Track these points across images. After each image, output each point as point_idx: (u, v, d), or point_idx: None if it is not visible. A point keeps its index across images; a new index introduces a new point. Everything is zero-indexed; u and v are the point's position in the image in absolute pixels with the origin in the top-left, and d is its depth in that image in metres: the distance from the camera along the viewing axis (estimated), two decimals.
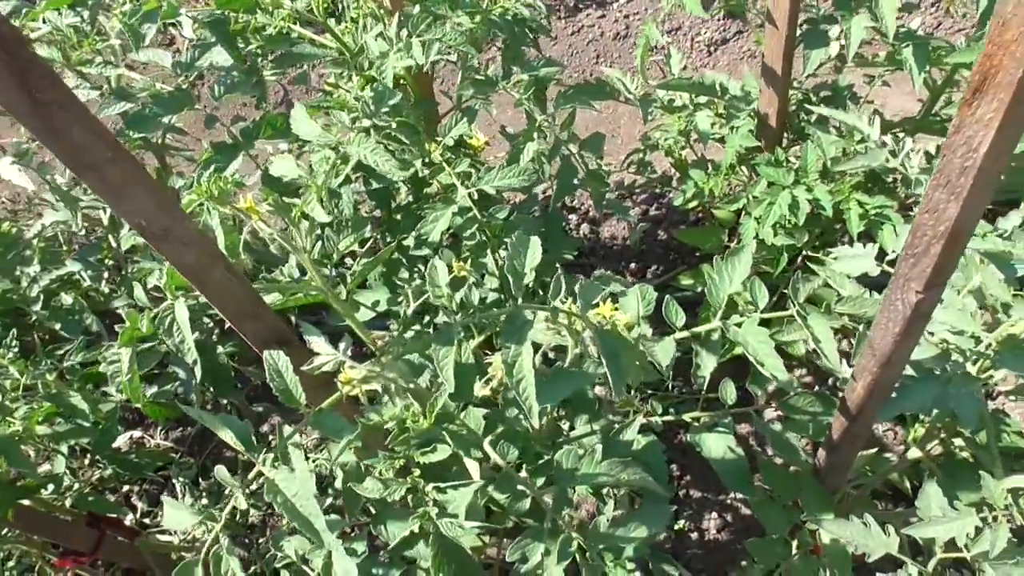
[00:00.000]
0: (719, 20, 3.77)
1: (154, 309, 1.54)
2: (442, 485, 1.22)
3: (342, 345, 1.28)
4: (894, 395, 1.59)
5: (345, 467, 1.49)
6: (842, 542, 1.83)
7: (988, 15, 1.89)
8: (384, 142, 1.73)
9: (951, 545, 1.70)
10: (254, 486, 1.29)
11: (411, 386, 1.43)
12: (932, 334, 1.70)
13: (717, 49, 3.75)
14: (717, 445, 1.93)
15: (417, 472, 1.23)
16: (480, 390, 1.70)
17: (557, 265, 2.35)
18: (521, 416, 1.48)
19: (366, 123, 1.47)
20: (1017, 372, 1.49)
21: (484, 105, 2.25)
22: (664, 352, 1.61)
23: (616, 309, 1.61)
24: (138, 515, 2.89)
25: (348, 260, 2.33)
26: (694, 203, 2.68)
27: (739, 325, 1.66)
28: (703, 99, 2.34)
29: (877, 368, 1.51)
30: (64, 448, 2.31)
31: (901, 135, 1.89)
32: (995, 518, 1.52)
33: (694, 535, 2.67)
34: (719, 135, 2.30)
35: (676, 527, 2.66)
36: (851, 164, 1.92)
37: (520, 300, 1.32)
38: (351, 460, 1.32)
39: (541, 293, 2.08)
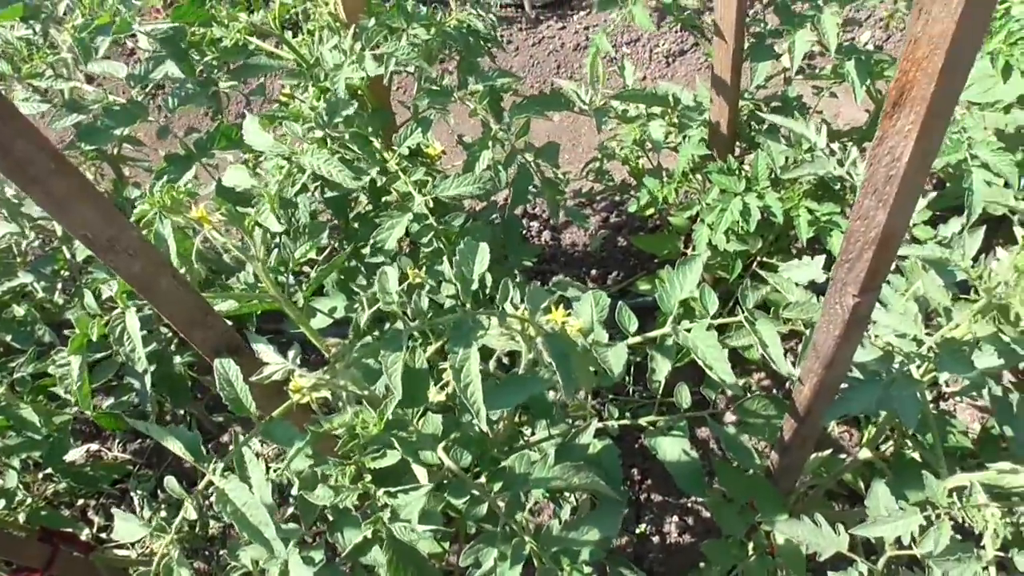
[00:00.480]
0: (677, 32, 3.83)
1: (105, 317, 1.54)
2: (392, 490, 1.23)
3: (291, 353, 1.29)
4: (839, 397, 1.63)
5: (300, 475, 1.49)
6: (795, 542, 1.86)
7: None
8: (339, 151, 1.74)
9: (902, 543, 1.75)
10: (211, 497, 1.29)
11: (365, 393, 1.45)
12: (877, 337, 1.75)
13: (675, 60, 3.81)
14: (672, 448, 1.96)
15: (369, 478, 1.24)
16: (435, 396, 1.71)
17: (516, 272, 2.38)
18: (475, 421, 1.49)
19: (319, 134, 1.48)
20: (956, 374, 1.54)
21: (442, 115, 2.28)
22: (616, 357, 1.64)
23: (569, 315, 1.65)
24: (94, 529, 2.86)
25: (308, 268, 2.34)
26: (650, 210, 2.72)
27: (689, 330, 1.69)
28: (657, 109, 2.38)
29: (821, 370, 1.55)
30: (16, 462, 2.28)
31: (849, 144, 1.94)
32: (938, 516, 1.56)
33: (656, 538, 2.70)
34: (673, 144, 2.34)
35: (638, 531, 2.69)
36: (799, 171, 1.97)
37: (469, 306, 1.34)
38: (305, 468, 1.33)
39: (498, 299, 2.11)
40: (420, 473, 1.29)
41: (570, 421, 2.06)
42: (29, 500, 2.64)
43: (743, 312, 1.69)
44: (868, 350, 1.64)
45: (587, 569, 1.85)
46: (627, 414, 2.05)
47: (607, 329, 1.87)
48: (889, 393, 1.57)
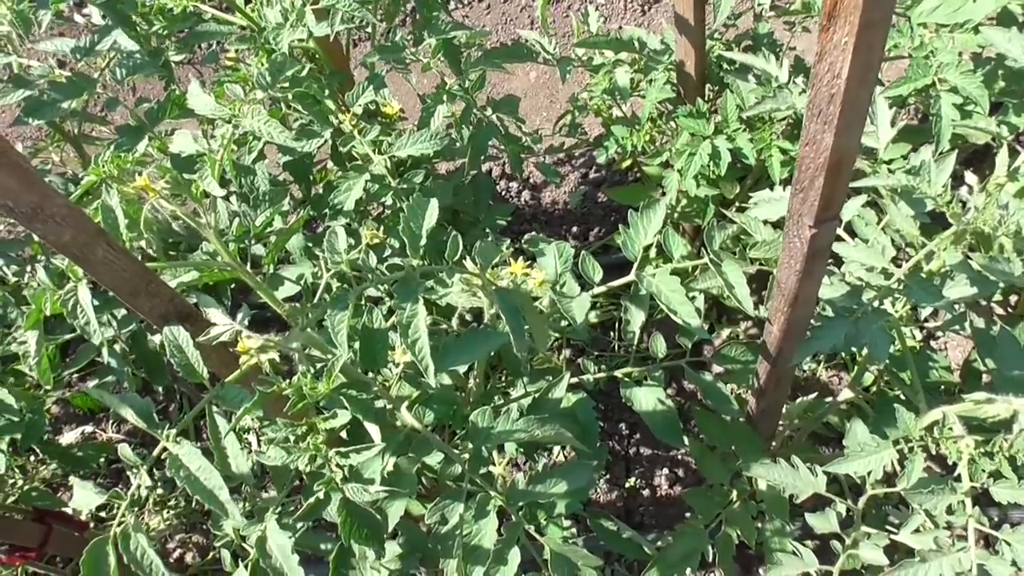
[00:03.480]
0: None
1: (58, 291, 1.52)
2: (343, 450, 1.21)
3: (240, 315, 1.26)
4: (808, 335, 1.60)
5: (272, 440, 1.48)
6: (773, 486, 1.85)
7: None
8: (291, 114, 1.70)
9: (888, 483, 1.72)
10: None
11: (326, 357, 1.43)
12: (849, 273, 1.71)
13: (651, 8, 3.73)
14: (647, 398, 1.94)
15: (321, 438, 1.23)
16: (400, 356, 1.69)
17: (487, 231, 2.34)
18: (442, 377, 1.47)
19: (259, 95, 1.44)
20: (924, 303, 1.51)
21: (403, 74, 2.23)
22: (579, 307, 1.61)
23: (531, 267, 1.62)
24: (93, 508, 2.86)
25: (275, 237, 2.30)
26: (626, 162, 2.68)
27: (654, 275, 1.66)
28: (625, 56, 2.33)
29: (787, 308, 1.52)
30: (3, 445, 2.28)
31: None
32: (911, 450, 1.54)
33: (646, 491, 2.69)
34: (643, 92, 2.29)
35: (628, 484, 2.68)
36: (762, 107, 1.92)
37: (417, 263, 1.31)
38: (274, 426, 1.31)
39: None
40: (373, 432, 1.27)
41: (549, 378, 2.04)
42: (22, 482, 2.66)
43: (708, 253, 1.65)
44: (836, 286, 1.60)
45: (566, 523, 1.84)
46: (602, 367, 2.03)
47: (579, 282, 1.84)
48: (858, 328, 1.54)
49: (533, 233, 2.33)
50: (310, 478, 1.39)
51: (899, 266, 1.63)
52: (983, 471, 1.47)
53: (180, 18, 1.90)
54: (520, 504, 1.43)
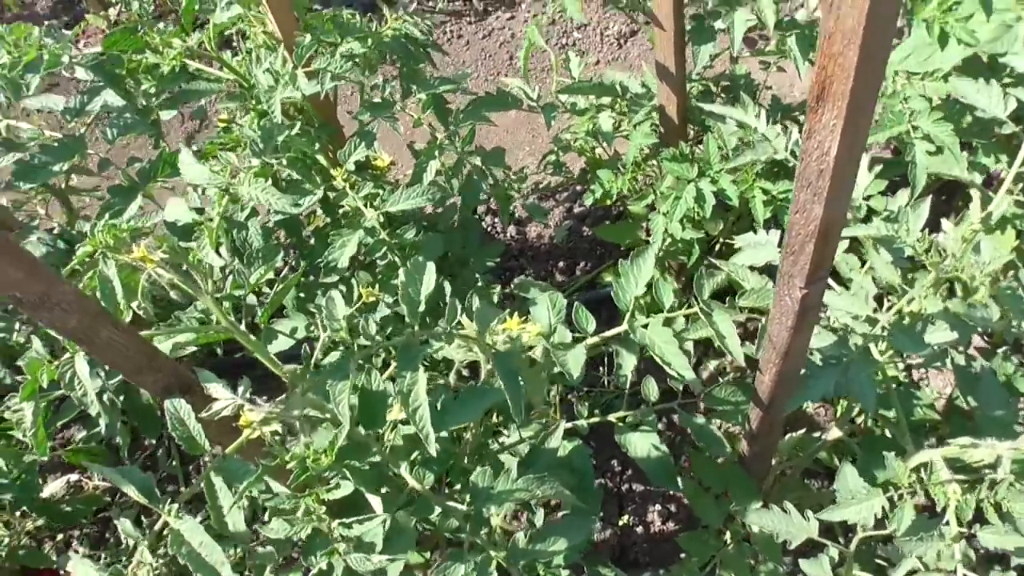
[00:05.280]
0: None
1: (55, 362, 1.52)
2: (347, 521, 1.23)
3: (240, 388, 1.27)
4: (799, 385, 1.63)
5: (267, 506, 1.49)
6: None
7: None
8: (284, 171, 1.72)
9: (879, 525, 1.75)
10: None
11: (327, 416, 1.44)
12: (835, 320, 1.75)
13: (627, 41, 3.79)
14: (642, 444, 1.96)
15: (323, 509, 1.24)
16: (397, 413, 1.70)
17: (476, 275, 2.36)
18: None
19: (256, 162, 1.46)
20: (907, 351, 1.55)
21: (391, 124, 2.26)
22: (575, 360, 1.63)
23: (526, 320, 1.64)
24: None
25: (269, 288, 2.31)
26: (608, 201, 2.71)
27: (646, 326, 1.69)
28: (607, 99, 2.37)
29: (779, 360, 1.55)
30: None
31: (787, 126, 1.94)
32: (900, 496, 1.57)
33: (639, 528, 2.70)
34: (625, 132, 2.33)
35: (621, 522, 2.70)
36: (743, 159, 1.97)
37: (416, 327, 1.33)
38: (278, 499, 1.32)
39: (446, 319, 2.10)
40: (375, 503, 1.28)
41: (543, 421, 2.06)
42: (7, 540, 2.62)
43: (698, 303, 1.68)
44: (823, 335, 1.64)
45: (565, 573, 1.85)
46: (597, 410, 2.05)
47: (569, 327, 1.86)
48: (847, 377, 1.58)
49: (523, 277, 2.37)
50: (308, 542, 1.40)
51: (882, 307, 1.67)
52: (969, 514, 1.50)
53: (170, 78, 1.91)
54: (521, 563, 1.44)
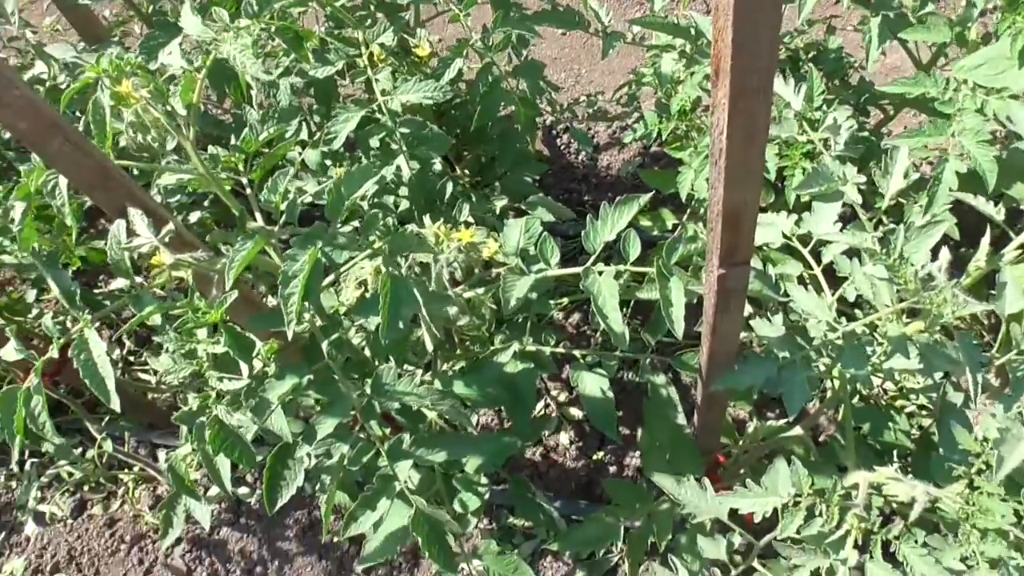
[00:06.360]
0: None
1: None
2: (220, 375, 1.32)
3: (165, 229, 1.36)
4: (733, 368, 1.58)
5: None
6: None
7: None
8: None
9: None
10: None
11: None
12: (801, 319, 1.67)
13: None
14: (592, 384, 1.97)
15: (206, 360, 1.33)
16: (350, 294, 1.77)
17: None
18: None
19: (243, 22, 1.50)
20: (848, 367, 1.46)
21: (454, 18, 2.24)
22: (518, 288, 1.64)
23: (481, 235, 1.66)
24: (124, 351, 3.10)
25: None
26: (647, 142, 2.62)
27: (600, 273, 1.66)
28: (678, 42, 2.26)
29: (710, 337, 1.51)
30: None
31: (829, 108, 1.80)
32: (796, 504, 1.52)
33: (612, 468, 2.72)
34: (682, 78, 2.23)
35: (595, 457, 2.72)
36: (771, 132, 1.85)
37: (338, 224, 1.37)
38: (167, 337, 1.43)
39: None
40: (243, 368, 1.36)
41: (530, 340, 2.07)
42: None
43: (658, 264, 1.63)
44: (773, 327, 1.57)
45: (483, 480, 1.89)
46: (564, 344, 2.06)
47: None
48: (780, 375, 1.52)
49: (540, 195, 2.35)
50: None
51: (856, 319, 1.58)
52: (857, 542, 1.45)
53: None
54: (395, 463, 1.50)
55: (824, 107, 1.88)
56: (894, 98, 2.22)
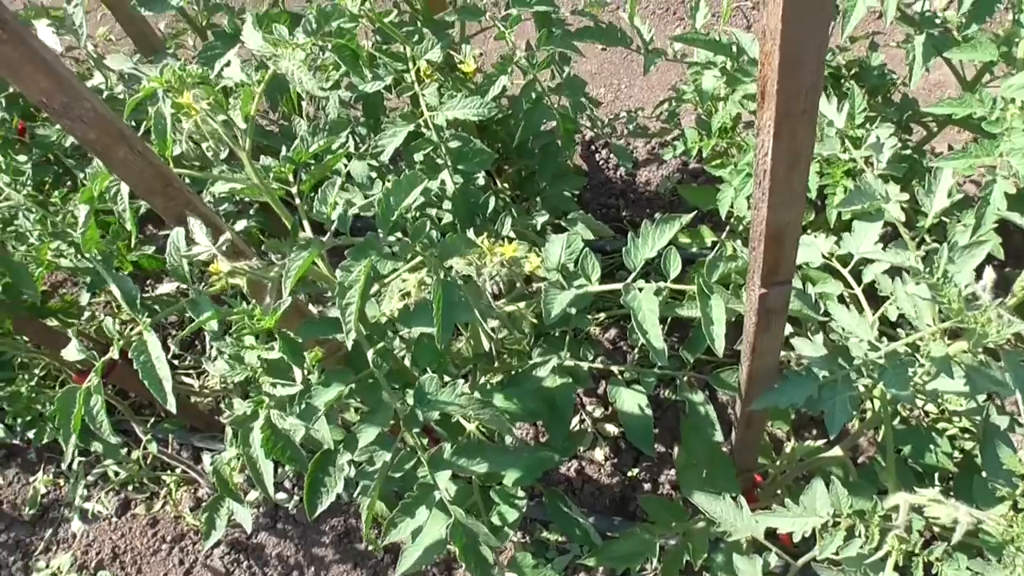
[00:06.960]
0: None
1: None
2: (272, 380, 1.35)
3: (223, 237, 1.41)
4: (772, 387, 1.59)
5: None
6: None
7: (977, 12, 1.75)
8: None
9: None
10: None
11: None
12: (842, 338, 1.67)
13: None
14: (630, 401, 1.98)
15: (259, 364, 1.37)
16: (394, 304, 1.81)
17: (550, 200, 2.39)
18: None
19: (301, 39, 1.55)
20: (891, 388, 1.46)
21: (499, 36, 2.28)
22: (558, 302, 1.66)
23: (523, 249, 1.69)
24: (169, 355, 3.18)
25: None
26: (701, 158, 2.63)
27: (641, 290, 1.67)
28: (719, 58, 2.28)
29: (750, 355, 1.52)
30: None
31: (871, 126, 1.80)
32: (835, 524, 1.52)
33: (647, 485, 2.72)
34: (723, 96, 2.24)
35: (631, 474, 2.72)
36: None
37: (386, 233, 1.41)
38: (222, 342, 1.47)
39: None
40: (297, 373, 1.40)
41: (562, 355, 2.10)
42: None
43: (699, 282, 1.64)
44: (815, 346, 1.57)
45: (521, 493, 1.92)
46: (601, 359, 2.08)
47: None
48: (822, 394, 1.52)
49: (580, 211, 2.38)
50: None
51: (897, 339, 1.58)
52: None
53: None
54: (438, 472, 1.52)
55: (866, 125, 1.89)
56: (939, 116, 2.21)
